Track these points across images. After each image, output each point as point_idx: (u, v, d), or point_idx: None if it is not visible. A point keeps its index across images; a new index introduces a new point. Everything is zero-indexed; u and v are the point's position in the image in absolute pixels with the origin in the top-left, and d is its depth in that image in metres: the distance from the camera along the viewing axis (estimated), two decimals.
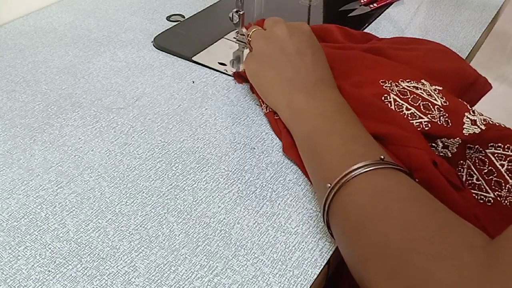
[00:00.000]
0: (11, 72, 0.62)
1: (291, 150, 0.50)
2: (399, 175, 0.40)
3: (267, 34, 0.56)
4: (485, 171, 0.47)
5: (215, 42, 0.68)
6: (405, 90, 0.51)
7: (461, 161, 0.49)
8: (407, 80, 0.52)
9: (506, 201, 0.46)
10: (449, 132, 0.48)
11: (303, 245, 0.42)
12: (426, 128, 0.48)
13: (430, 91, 0.51)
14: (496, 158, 0.47)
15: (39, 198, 0.46)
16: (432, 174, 0.45)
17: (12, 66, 0.63)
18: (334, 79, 0.53)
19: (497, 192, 0.47)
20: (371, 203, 0.37)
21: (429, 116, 0.49)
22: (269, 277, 0.40)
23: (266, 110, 0.56)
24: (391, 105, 0.50)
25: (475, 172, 0.48)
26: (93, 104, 0.57)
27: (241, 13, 0.65)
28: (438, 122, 0.48)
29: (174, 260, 0.41)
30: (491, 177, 0.47)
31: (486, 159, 0.47)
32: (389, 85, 0.52)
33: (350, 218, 0.38)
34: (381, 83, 0.52)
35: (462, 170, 0.49)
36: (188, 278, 0.40)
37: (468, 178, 0.48)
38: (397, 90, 0.51)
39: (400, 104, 0.50)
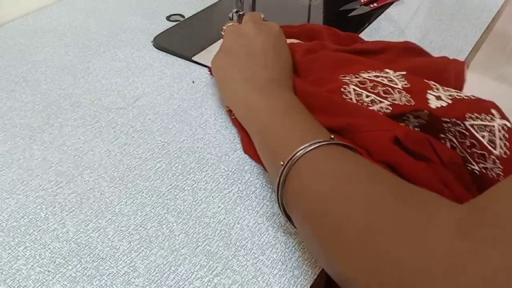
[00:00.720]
0: (11, 72, 0.62)
1: (249, 148, 0.51)
2: (351, 153, 0.40)
3: (237, 30, 0.57)
4: (467, 144, 0.46)
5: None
6: (365, 79, 0.52)
7: (441, 135, 0.48)
8: (369, 71, 0.53)
9: (492, 173, 0.45)
10: (413, 108, 0.48)
11: (303, 245, 0.42)
12: (388, 111, 0.48)
13: (392, 77, 0.52)
14: (476, 129, 0.46)
15: (38, 198, 0.46)
16: (393, 153, 0.44)
17: (12, 66, 0.63)
18: (295, 78, 0.54)
19: (481, 164, 0.46)
20: (329, 187, 0.37)
21: (389, 99, 0.49)
22: (269, 277, 0.40)
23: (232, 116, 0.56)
24: (350, 95, 0.51)
25: (457, 145, 0.47)
26: (93, 104, 0.57)
27: (241, 13, 0.65)
28: (400, 103, 0.48)
29: (174, 260, 0.41)
30: (473, 149, 0.46)
31: (466, 132, 0.46)
32: (349, 77, 0.53)
33: (309, 203, 0.38)
34: (341, 78, 0.53)
35: (444, 143, 0.48)
36: (188, 278, 0.40)
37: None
38: (357, 81, 0.52)
39: (359, 92, 0.50)
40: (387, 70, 0.53)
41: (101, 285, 0.39)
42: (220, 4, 0.79)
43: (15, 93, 0.59)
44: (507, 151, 0.46)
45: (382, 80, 0.51)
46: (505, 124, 0.47)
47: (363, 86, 0.51)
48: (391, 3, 0.81)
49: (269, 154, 0.46)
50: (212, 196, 0.46)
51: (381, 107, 0.48)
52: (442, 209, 0.31)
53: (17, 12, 0.74)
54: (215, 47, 0.67)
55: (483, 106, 0.48)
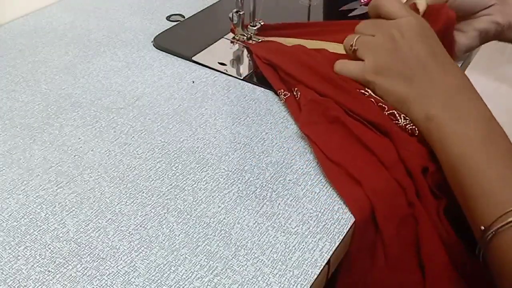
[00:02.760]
0: (11, 72, 0.62)
1: (309, 128, 0.51)
2: None
3: (375, 42, 0.51)
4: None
5: (215, 42, 0.68)
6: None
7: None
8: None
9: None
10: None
11: (303, 245, 0.42)
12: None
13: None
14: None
15: (39, 198, 0.46)
16: None
17: (12, 66, 0.63)
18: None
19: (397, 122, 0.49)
20: None
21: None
22: (269, 277, 0.40)
23: (285, 97, 0.57)
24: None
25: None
26: (93, 104, 0.57)
27: (241, 13, 0.65)
28: None
29: (174, 260, 0.41)
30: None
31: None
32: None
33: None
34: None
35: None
36: (188, 278, 0.40)
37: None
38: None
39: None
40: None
41: (101, 285, 0.39)
42: (220, 4, 0.79)
43: (15, 93, 0.59)
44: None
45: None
46: None
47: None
48: None
49: (462, 193, 0.41)
50: (212, 196, 0.46)
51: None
52: None
53: (17, 12, 0.74)
54: (215, 47, 0.67)
55: None
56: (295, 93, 0.56)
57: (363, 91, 0.53)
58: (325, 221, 0.44)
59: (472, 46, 0.59)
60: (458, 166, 0.42)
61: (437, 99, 0.46)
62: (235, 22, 0.66)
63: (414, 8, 0.56)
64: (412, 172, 0.47)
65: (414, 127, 0.49)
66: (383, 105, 0.52)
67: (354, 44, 0.54)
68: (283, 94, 0.57)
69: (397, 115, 0.50)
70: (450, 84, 0.47)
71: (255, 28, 0.66)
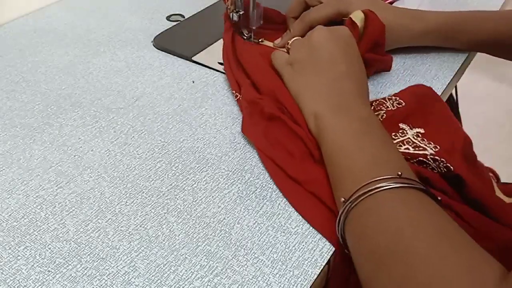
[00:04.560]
0: (11, 72, 0.62)
1: (249, 130, 0.52)
2: (423, 198, 0.39)
3: (305, 41, 0.55)
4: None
5: (215, 42, 0.68)
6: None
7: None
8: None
9: (441, 168, 0.48)
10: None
11: (303, 245, 0.42)
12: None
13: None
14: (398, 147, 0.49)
15: (39, 198, 0.46)
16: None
17: (12, 66, 0.63)
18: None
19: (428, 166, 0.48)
20: (397, 233, 0.37)
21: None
22: (269, 277, 0.40)
23: (236, 98, 0.57)
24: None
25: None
26: (93, 104, 0.57)
27: (241, 13, 0.65)
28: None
29: (174, 260, 0.41)
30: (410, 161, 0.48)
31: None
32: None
33: (372, 243, 0.38)
34: None
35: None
36: (188, 278, 0.40)
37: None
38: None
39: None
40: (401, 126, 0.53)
41: (101, 285, 0.39)
42: (220, 4, 0.79)
43: (15, 93, 0.59)
44: (435, 145, 0.48)
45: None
46: (419, 132, 0.50)
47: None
48: (391, 3, 0.81)
49: (333, 177, 0.45)
50: (212, 196, 0.46)
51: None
52: (490, 280, 0.32)
53: (17, 12, 0.74)
54: (215, 47, 0.67)
55: (393, 125, 0.51)
56: (238, 95, 0.57)
57: None
58: None
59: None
60: (333, 154, 0.45)
61: (326, 100, 0.49)
62: (235, 22, 0.65)
63: (350, 22, 0.59)
64: None
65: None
66: None
67: (290, 43, 0.59)
68: (235, 95, 0.58)
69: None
70: (344, 88, 0.50)
71: (254, 28, 0.66)
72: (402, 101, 0.53)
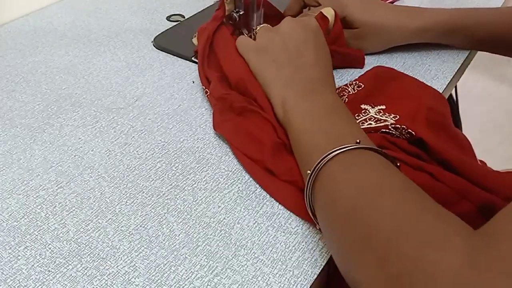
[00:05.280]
0: (11, 72, 0.62)
1: (220, 127, 0.52)
2: (376, 159, 0.40)
3: (272, 29, 0.56)
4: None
5: None
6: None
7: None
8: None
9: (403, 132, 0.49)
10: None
11: (303, 245, 0.42)
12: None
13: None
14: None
15: (39, 198, 0.46)
16: None
17: (12, 66, 0.63)
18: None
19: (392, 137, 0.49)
20: (359, 193, 0.37)
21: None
22: (269, 277, 0.40)
23: (206, 95, 0.57)
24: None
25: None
26: (93, 104, 0.57)
27: (241, 13, 0.65)
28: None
29: (174, 260, 0.41)
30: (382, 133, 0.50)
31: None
32: None
33: (336, 207, 0.38)
34: None
35: None
36: (188, 278, 0.40)
37: None
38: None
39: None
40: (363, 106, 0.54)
41: (102, 285, 0.39)
42: None
43: (16, 93, 0.59)
44: (395, 115, 0.50)
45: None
46: (380, 109, 0.51)
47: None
48: (391, 3, 0.81)
49: (300, 158, 0.46)
50: (212, 196, 0.46)
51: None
52: (457, 235, 0.32)
53: (17, 12, 0.74)
54: None
55: (355, 107, 0.52)
56: (207, 91, 0.57)
57: None
58: None
59: None
60: (299, 136, 0.46)
61: (293, 87, 0.50)
62: (234, 22, 0.65)
63: (321, 16, 0.59)
64: None
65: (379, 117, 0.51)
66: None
67: (257, 29, 0.58)
68: (204, 91, 0.58)
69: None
70: (312, 75, 0.51)
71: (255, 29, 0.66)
72: (361, 84, 0.55)
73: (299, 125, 0.47)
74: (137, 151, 0.51)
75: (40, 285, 0.39)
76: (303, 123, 0.47)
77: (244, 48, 0.57)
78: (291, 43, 0.53)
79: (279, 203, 0.46)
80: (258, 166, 0.48)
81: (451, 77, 0.63)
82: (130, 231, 0.43)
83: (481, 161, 0.67)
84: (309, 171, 0.41)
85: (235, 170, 0.49)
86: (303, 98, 0.49)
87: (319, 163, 0.40)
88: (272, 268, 0.41)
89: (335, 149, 0.40)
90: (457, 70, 0.65)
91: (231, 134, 0.51)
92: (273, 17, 0.70)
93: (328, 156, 0.40)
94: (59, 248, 0.42)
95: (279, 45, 0.53)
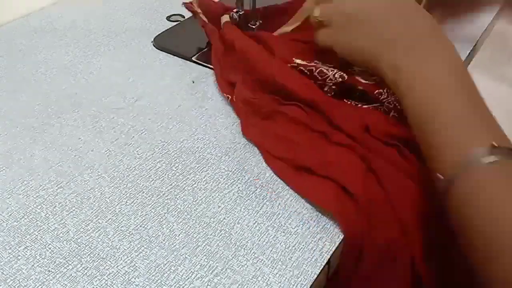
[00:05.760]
0: (12, 72, 0.62)
1: (249, 131, 0.52)
2: None
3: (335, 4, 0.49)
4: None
5: None
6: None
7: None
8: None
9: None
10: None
11: (303, 245, 0.42)
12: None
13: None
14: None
15: (39, 198, 0.46)
16: None
17: (12, 66, 0.63)
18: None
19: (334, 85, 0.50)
20: (500, 216, 0.34)
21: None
22: (269, 277, 0.40)
23: (229, 98, 0.57)
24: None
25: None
26: (93, 104, 0.57)
27: (241, 13, 0.65)
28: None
29: (174, 260, 0.41)
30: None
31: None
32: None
33: (499, 226, 0.34)
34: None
35: None
36: (188, 278, 0.40)
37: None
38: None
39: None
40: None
41: (102, 285, 0.39)
42: None
43: (16, 93, 0.59)
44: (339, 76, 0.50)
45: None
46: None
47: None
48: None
49: (428, 147, 0.39)
50: (212, 196, 0.46)
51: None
52: None
53: (17, 12, 0.74)
54: None
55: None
56: (229, 96, 0.57)
57: (302, 68, 0.53)
58: (325, 221, 0.44)
59: None
60: (428, 119, 0.39)
61: (403, 48, 0.43)
62: (235, 22, 0.65)
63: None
64: (354, 134, 0.48)
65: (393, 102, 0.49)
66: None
67: (316, 16, 0.51)
68: (226, 97, 0.57)
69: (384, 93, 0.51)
70: (417, 29, 0.44)
71: (254, 27, 0.66)
72: None
73: (423, 97, 0.39)
74: (137, 151, 0.51)
75: (40, 285, 0.39)
76: (428, 101, 0.39)
77: (322, 39, 0.50)
78: (369, 5, 0.46)
79: (315, 203, 0.45)
80: (289, 167, 0.48)
81: None
82: (130, 231, 0.43)
83: None
84: (441, 176, 0.36)
85: (235, 170, 0.49)
86: (423, 62, 0.41)
87: (453, 170, 0.36)
88: (272, 268, 0.41)
89: (473, 161, 0.35)
90: None
91: (259, 138, 0.51)
92: (273, 15, 0.70)
93: (464, 166, 0.35)
94: (59, 248, 0.42)
95: (359, 4, 0.46)
